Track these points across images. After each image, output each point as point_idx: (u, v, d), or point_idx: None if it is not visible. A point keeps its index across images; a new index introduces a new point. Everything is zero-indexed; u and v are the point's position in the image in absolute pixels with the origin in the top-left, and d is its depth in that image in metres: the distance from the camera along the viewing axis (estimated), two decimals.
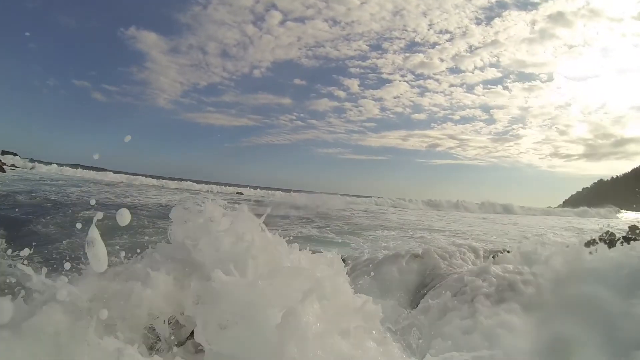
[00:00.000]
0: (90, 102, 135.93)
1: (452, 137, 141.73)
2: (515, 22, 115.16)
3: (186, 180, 51.94)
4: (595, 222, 23.02)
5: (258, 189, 47.94)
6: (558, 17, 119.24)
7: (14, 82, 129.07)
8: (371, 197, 47.44)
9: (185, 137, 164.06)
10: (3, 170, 28.60)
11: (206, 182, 52.25)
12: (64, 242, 7.59)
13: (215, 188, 43.84)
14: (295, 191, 49.43)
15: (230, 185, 51.46)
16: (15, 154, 57.78)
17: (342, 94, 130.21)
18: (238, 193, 39.92)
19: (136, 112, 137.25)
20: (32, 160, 50.29)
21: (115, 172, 51.96)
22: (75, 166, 50.01)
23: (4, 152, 54.93)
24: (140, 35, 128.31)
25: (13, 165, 37.65)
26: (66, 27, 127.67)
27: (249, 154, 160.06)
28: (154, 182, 41.27)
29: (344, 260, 5.79)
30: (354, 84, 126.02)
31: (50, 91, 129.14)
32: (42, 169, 41.93)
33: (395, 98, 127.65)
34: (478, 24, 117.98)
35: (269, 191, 46.25)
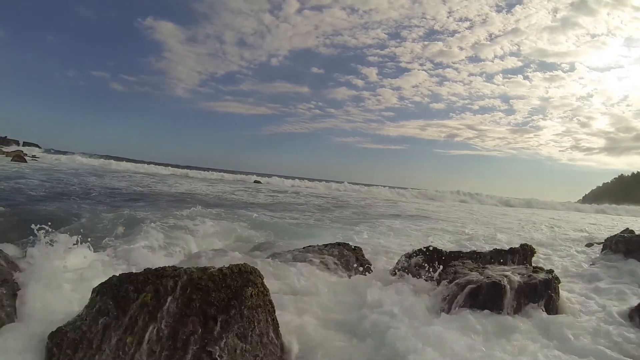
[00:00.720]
0: (109, 92, 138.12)
1: (470, 127, 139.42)
2: (537, 10, 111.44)
3: (205, 169, 52.39)
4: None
5: (275, 177, 47.67)
6: (581, 5, 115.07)
7: (34, 74, 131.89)
8: (408, 188, 47.19)
9: (204, 125, 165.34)
10: (24, 161, 29.32)
11: (226, 171, 52.58)
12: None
13: (227, 176, 43.76)
14: (318, 180, 49.37)
15: (249, 173, 51.63)
16: (37, 145, 59.28)
17: (360, 82, 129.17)
18: (256, 182, 40.24)
19: (154, 101, 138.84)
20: (47, 151, 51.38)
21: (135, 161, 52.70)
22: (94, 155, 50.93)
23: (26, 144, 56.39)
24: (158, 25, 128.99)
25: (34, 157, 38.38)
26: (84, 18, 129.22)
27: (268, 142, 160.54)
28: (172, 170, 41.57)
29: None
30: (372, 73, 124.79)
31: (70, 82, 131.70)
32: (61, 158, 42.39)
33: (413, 87, 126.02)
34: (499, 11, 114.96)
35: (286, 180, 46.06)
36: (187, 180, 30.29)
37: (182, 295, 2.38)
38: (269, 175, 48.76)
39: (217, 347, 2.29)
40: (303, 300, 3.49)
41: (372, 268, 5.06)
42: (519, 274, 2.60)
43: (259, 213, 11.85)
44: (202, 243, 6.83)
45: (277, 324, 2.72)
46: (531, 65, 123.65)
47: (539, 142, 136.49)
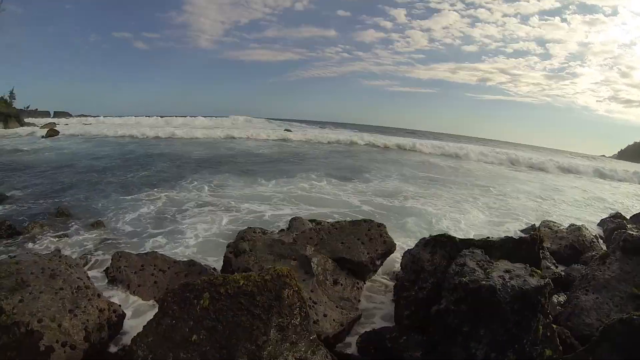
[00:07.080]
0: (132, 52, 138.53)
1: (503, 71, 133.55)
2: None
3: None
4: None
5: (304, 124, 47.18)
6: None
7: (56, 44, 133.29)
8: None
9: (230, 75, 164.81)
10: (57, 133, 30.00)
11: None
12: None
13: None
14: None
15: (278, 119, 52.19)
16: (68, 114, 60.92)
17: (388, 24, 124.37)
18: (286, 130, 41.83)
19: (179, 55, 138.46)
20: (67, 115, 52.20)
21: (172, 116, 53.31)
22: (125, 117, 52.01)
23: (57, 113, 57.86)
24: None
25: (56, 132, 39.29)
26: None
27: (296, 88, 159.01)
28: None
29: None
30: (400, 14, 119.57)
31: (93, 47, 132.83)
32: (86, 127, 43.32)
33: (444, 29, 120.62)
34: None
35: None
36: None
37: (234, 300, 2.95)
38: (302, 122, 48.16)
39: (263, 339, 2.86)
40: None
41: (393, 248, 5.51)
42: (516, 275, 2.88)
43: None
44: None
45: (309, 316, 3.27)
46: (570, 7, 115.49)
47: (575, 90, 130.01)
